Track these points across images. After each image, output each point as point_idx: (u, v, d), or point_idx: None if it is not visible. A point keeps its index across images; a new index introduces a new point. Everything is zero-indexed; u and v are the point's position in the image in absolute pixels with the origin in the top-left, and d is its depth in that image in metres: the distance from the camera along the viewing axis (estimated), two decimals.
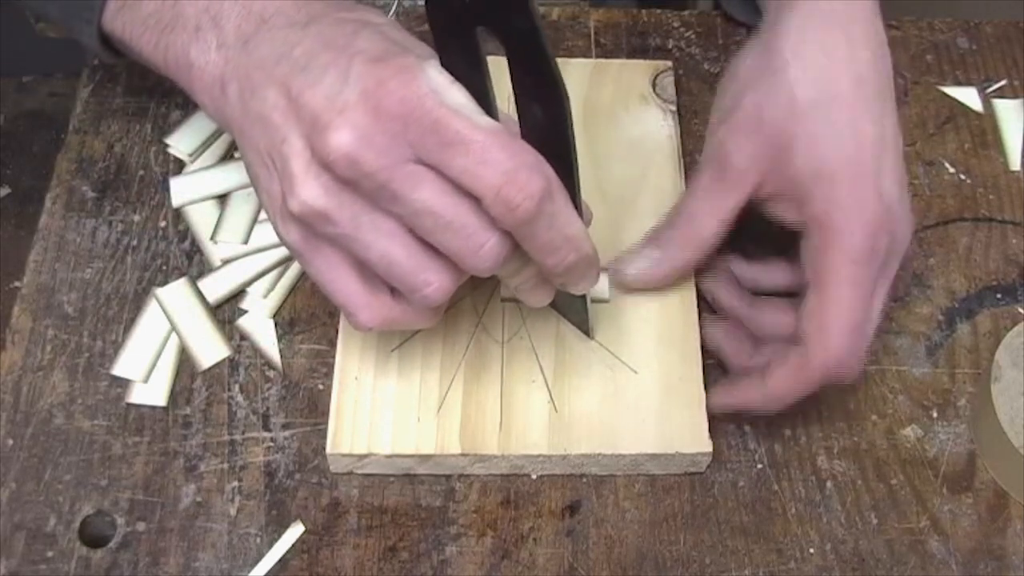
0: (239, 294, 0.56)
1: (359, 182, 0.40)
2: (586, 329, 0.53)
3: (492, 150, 0.39)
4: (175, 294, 0.56)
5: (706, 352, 0.54)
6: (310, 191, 0.41)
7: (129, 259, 0.57)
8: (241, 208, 0.58)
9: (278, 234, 0.44)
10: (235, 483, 0.51)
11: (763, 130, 0.48)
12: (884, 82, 0.49)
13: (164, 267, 0.57)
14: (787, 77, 0.48)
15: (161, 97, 0.63)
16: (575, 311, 0.52)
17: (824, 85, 0.48)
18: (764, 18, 0.52)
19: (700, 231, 0.51)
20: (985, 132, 0.63)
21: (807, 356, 0.48)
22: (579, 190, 0.44)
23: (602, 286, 0.54)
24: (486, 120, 0.40)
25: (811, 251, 0.48)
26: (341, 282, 0.44)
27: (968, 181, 0.62)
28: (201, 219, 0.58)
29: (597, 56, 0.65)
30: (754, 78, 0.49)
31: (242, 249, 0.57)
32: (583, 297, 0.50)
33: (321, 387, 0.54)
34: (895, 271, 0.49)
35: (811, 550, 0.50)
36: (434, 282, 0.42)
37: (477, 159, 0.39)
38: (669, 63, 0.63)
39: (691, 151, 0.61)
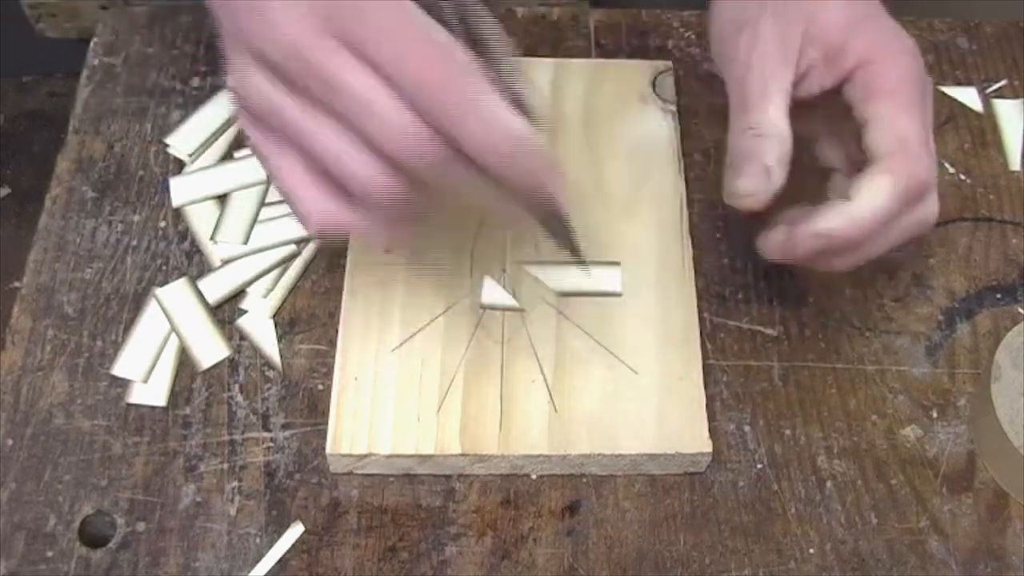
0: (239, 294, 0.56)
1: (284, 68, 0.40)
2: (579, 256, 0.49)
3: (409, 36, 0.39)
4: (175, 294, 0.56)
5: (706, 352, 0.54)
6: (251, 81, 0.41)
7: (129, 259, 0.57)
8: (241, 208, 0.58)
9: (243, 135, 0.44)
10: (235, 483, 0.51)
11: (788, 13, 0.49)
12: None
13: (164, 267, 0.57)
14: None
15: (161, 97, 0.63)
16: (563, 237, 0.48)
17: None
18: None
19: (782, 138, 0.48)
20: (985, 132, 0.63)
21: (892, 166, 0.47)
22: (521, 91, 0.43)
23: (614, 280, 0.54)
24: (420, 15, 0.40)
25: (859, 90, 0.48)
26: (294, 180, 0.43)
27: (968, 181, 0.62)
28: (201, 219, 0.58)
29: (597, 56, 0.65)
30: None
31: (242, 249, 0.57)
32: (567, 225, 0.47)
33: (321, 387, 0.54)
34: (932, 114, 0.49)
35: (811, 550, 0.50)
36: (374, 176, 0.40)
37: (395, 48, 0.39)
38: (669, 63, 0.63)
39: (691, 151, 0.61)
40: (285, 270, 0.57)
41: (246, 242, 0.57)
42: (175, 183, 0.59)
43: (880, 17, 0.50)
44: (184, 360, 0.54)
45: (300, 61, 0.40)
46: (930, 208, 0.49)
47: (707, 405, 0.52)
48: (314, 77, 0.40)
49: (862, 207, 0.47)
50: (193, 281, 0.56)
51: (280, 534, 0.50)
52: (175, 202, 0.59)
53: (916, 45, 0.50)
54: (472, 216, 0.56)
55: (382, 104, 0.39)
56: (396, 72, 0.39)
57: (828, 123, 0.52)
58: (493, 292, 0.54)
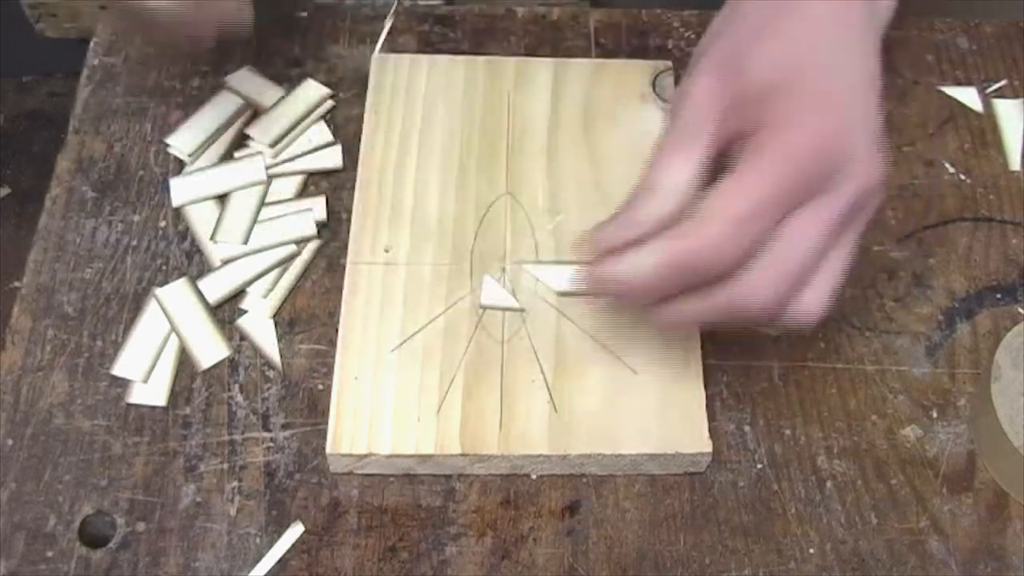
0: (239, 294, 0.56)
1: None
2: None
3: None
4: (175, 294, 0.56)
5: (706, 352, 0.54)
6: None
7: (129, 259, 0.57)
8: (241, 208, 0.58)
9: None
10: (235, 483, 0.51)
11: (724, 51, 0.45)
12: (849, 27, 0.46)
13: (164, 267, 0.57)
14: (743, 16, 0.46)
15: (161, 97, 0.63)
16: None
17: (779, 19, 0.45)
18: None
19: (676, 194, 0.44)
20: (985, 132, 0.63)
21: (678, 230, 0.43)
22: None
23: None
24: None
25: (743, 153, 0.44)
26: None
27: (968, 181, 0.62)
28: (201, 219, 0.58)
29: (597, 56, 0.65)
30: (713, 34, 0.48)
31: (242, 249, 0.57)
32: None
33: (321, 387, 0.54)
34: (842, 205, 0.44)
35: (811, 550, 0.50)
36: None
37: None
38: (669, 63, 0.63)
39: None
40: (285, 270, 0.57)
41: (246, 242, 0.57)
42: (175, 183, 0.59)
43: (805, 85, 0.44)
44: (184, 360, 0.54)
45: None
46: (743, 296, 0.43)
47: (707, 405, 0.52)
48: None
49: (625, 265, 0.44)
50: (193, 281, 0.56)
51: (280, 534, 0.50)
52: (175, 202, 0.59)
53: (839, 118, 0.44)
54: None
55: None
56: None
57: None
58: (493, 292, 0.54)
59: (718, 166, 0.45)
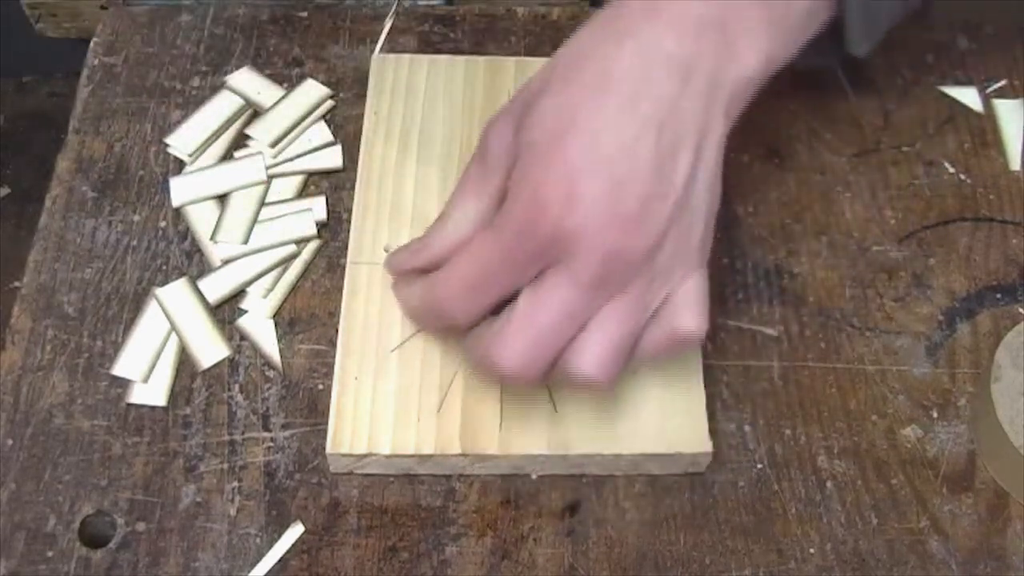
0: (239, 294, 0.56)
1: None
2: None
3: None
4: (175, 294, 0.56)
5: (706, 352, 0.54)
6: None
7: (129, 259, 0.57)
8: (241, 208, 0.58)
9: None
10: (235, 483, 0.51)
11: (514, 115, 0.46)
12: (647, 87, 0.43)
13: (164, 267, 0.57)
14: (546, 68, 0.46)
15: (161, 97, 0.63)
16: None
17: (562, 73, 0.44)
18: None
19: (460, 228, 0.47)
20: (985, 132, 0.63)
21: (431, 282, 0.47)
22: None
23: None
24: None
25: None
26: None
27: (968, 181, 0.62)
28: (201, 219, 0.58)
29: None
30: (536, 73, 0.47)
31: (242, 249, 0.57)
32: None
33: (321, 387, 0.54)
34: (586, 272, 0.43)
35: (811, 550, 0.50)
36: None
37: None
38: None
39: None
40: (285, 270, 0.57)
41: (246, 242, 0.57)
42: (175, 183, 0.59)
43: (544, 148, 0.43)
44: (184, 360, 0.54)
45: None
46: (485, 348, 0.45)
47: (707, 405, 0.52)
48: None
49: (399, 292, 0.52)
50: (193, 281, 0.56)
51: (280, 534, 0.50)
52: (175, 202, 0.59)
53: (558, 183, 0.42)
54: None
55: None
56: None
57: None
58: None
59: None
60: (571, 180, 0.42)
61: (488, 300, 0.45)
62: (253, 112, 0.62)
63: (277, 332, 0.55)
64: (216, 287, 0.56)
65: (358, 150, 0.59)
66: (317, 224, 0.58)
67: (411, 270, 0.50)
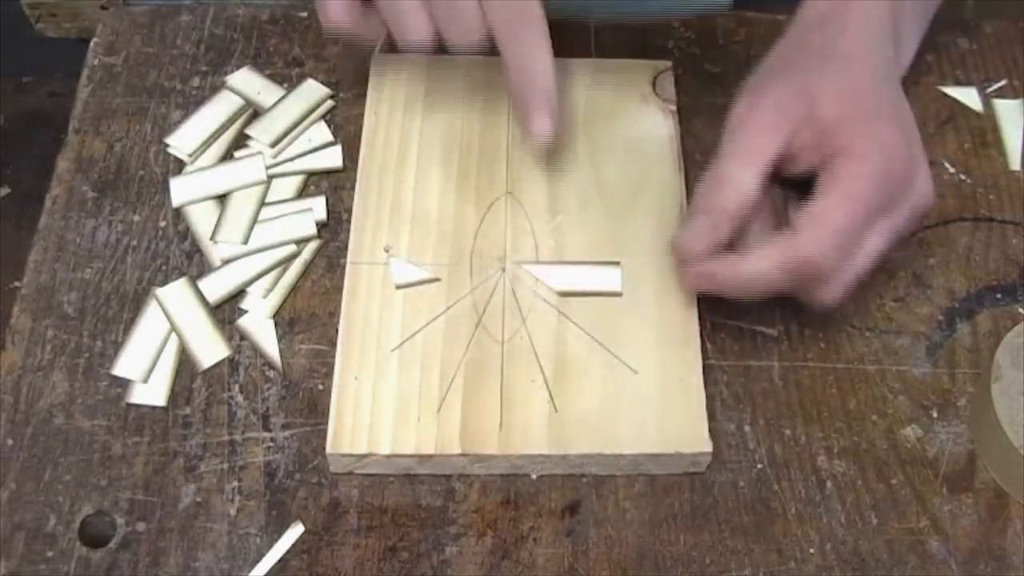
0: (239, 294, 0.56)
1: None
2: None
3: None
4: (175, 294, 0.56)
5: (706, 352, 0.54)
6: None
7: (129, 259, 0.57)
8: (241, 208, 0.58)
9: None
10: (235, 483, 0.51)
11: (791, 84, 0.52)
12: (892, 77, 0.54)
13: (164, 267, 0.57)
14: (809, 44, 0.53)
15: (161, 97, 0.63)
16: None
17: (843, 60, 0.53)
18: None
19: (743, 188, 0.51)
20: (985, 132, 0.63)
21: (793, 240, 0.49)
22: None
23: (614, 279, 0.54)
24: None
25: (824, 179, 0.50)
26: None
27: (968, 181, 0.62)
28: (201, 219, 0.58)
29: (597, 56, 0.65)
30: (776, 63, 0.54)
31: (242, 249, 0.57)
32: None
33: (321, 387, 0.54)
34: (902, 220, 0.51)
35: (811, 550, 0.50)
36: (421, 23, 0.51)
37: None
38: (669, 63, 0.63)
39: (691, 151, 0.61)
40: (285, 270, 0.57)
41: (246, 242, 0.57)
42: (175, 183, 0.59)
43: (872, 118, 0.51)
44: (184, 360, 0.54)
45: None
46: (826, 294, 0.51)
47: (707, 405, 0.52)
48: None
49: (748, 268, 0.50)
50: (193, 281, 0.56)
51: (280, 534, 0.50)
52: (175, 202, 0.59)
53: (902, 145, 0.51)
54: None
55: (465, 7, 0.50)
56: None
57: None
58: (403, 270, 0.55)
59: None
60: (902, 142, 0.51)
61: (850, 249, 0.50)
62: (253, 112, 0.62)
63: (277, 332, 0.55)
64: (216, 287, 0.56)
65: (358, 150, 0.59)
66: (317, 224, 0.58)
67: (711, 246, 0.51)
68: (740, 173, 0.51)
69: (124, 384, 0.54)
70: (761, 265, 0.50)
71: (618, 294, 0.54)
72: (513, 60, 0.52)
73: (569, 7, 0.63)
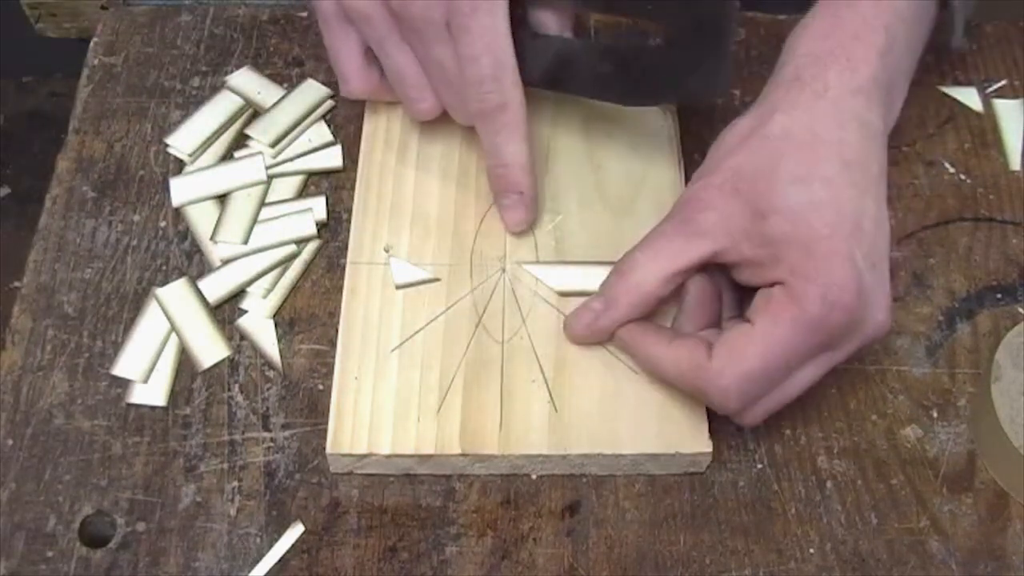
0: (239, 294, 0.56)
1: (403, 18, 0.51)
2: None
3: (483, 54, 0.50)
4: (175, 294, 0.56)
5: None
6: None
7: (129, 259, 0.57)
8: (241, 208, 0.58)
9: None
10: (235, 483, 0.51)
11: (741, 193, 0.48)
12: (870, 166, 0.49)
13: (164, 267, 0.57)
14: (774, 148, 0.48)
15: (161, 97, 0.63)
16: None
17: (811, 165, 0.47)
18: (761, 96, 0.52)
19: (643, 286, 0.49)
20: (985, 132, 0.63)
21: (704, 366, 0.47)
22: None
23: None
24: (505, 42, 0.51)
25: (763, 298, 0.47)
26: (347, 55, 0.55)
27: (968, 181, 0.62)
28: (201, 219, 0.58)
29: None
30: (740, 145, 0.49)
31: (242, 249, 0.57)
32: None
33: (321, 387, 0.54)
34: (846, 354, 0.48)
35: (811, 550, 0.50)
36: (426, 102, 0.55)
37: (471, 55, 0.50)
38: None
39: (691, 151, 0.61)
40: (285, 270, 0.57)
41: (246, 242, 0.57)
42: (175, 183, 0.59)
43: (823, 241, 0.46)
44: (184, 360, 0.54)
45: (417, 20, 0.50)
46: (741, 418, 0.49)
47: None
48: (415, 33, 0.51)
49: (653, 355, 0.50)
50: (193, 281, 0.56)
51: (280, 534, 0.50)
52: (175, 202, 0.59)
53: (851, 281, 0.46)
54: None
55: (455, 79, 0.52)
56: (467, 66, 0.51)
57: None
58: (403, 270, 0.55)
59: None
60: (853, 272, 0.46)
61: (760, 392, 0.48)
62: (253, 112, 0.62)
63: (277, 332, 0.55)
64: (216, 287, 0.56)
65: (358, 150, 0.59)
66: (317, 224, 0.58)
67: (594, 332, 0.52)
68: (645, 269, 0.49)
69: (124, 384, 0.54)
70: (665, 365, 0.49)
71: None
72: (489, 149, 0.54)
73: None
